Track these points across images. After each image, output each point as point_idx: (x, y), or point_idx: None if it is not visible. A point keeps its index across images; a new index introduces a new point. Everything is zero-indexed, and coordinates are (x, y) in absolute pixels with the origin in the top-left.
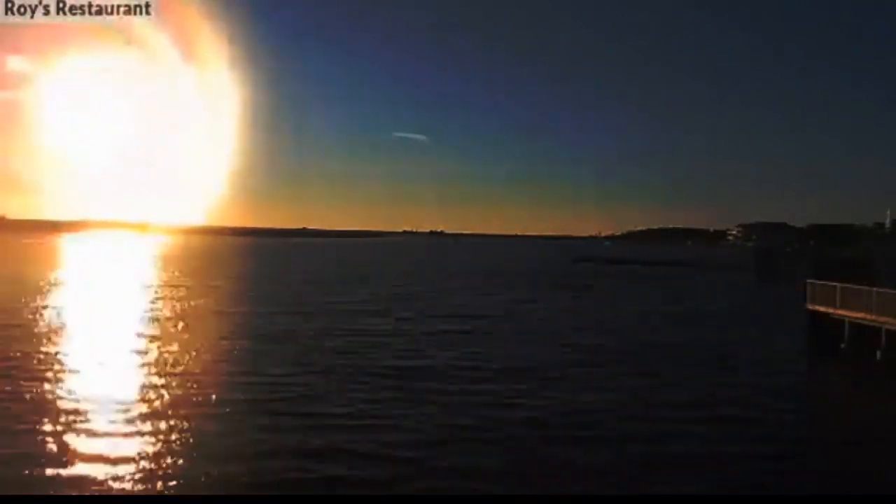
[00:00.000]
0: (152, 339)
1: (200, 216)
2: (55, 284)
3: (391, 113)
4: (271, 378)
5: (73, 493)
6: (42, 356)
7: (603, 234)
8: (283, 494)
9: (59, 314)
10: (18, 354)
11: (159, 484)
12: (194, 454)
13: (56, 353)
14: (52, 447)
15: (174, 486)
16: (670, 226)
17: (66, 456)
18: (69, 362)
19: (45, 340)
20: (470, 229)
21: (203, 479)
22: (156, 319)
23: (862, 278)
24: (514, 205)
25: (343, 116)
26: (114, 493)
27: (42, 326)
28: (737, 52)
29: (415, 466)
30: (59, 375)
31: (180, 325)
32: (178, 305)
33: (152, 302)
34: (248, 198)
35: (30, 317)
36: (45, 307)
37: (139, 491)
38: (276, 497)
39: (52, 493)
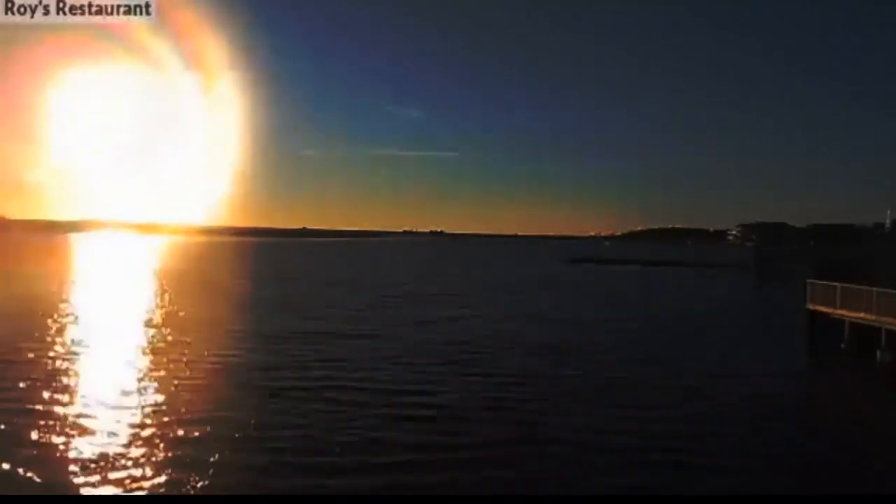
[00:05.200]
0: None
1: (200, 216)
2: (57, 286)
3: (392, 114)
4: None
5: (73, 494)
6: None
7: (603, 234)
8: (283, 494)
9: (61, 318)
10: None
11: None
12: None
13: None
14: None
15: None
16: (670, 226)
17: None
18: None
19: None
20: (470, 229)
21: None
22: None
23: (862, 278)
24: (514, 205)
25: (343, 116)
26: (114, 493)
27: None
28: (736, 53)
29: None
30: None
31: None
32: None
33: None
34: (248, 198)
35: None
36: (47, 312)
37: (140, 490)
38: (277, 497)
39: (52, 493)
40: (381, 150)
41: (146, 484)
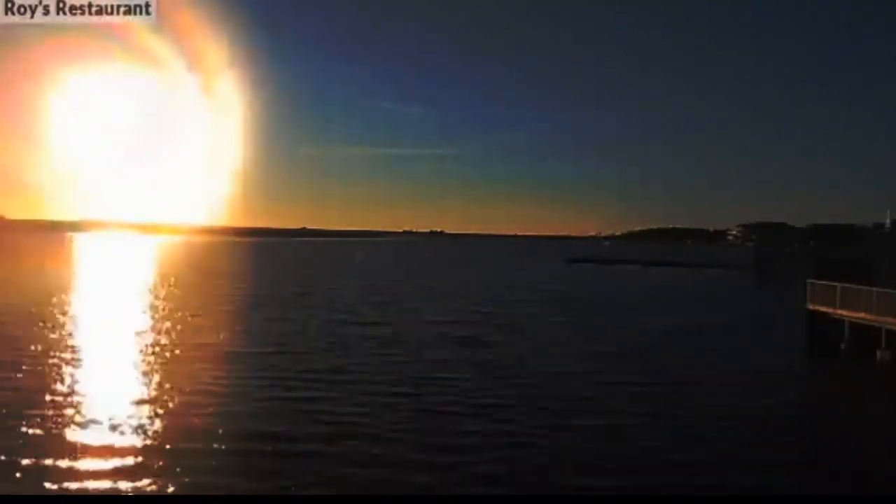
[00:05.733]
0: None
1: (200, 216)
2: (56, 286)
3: (392, 113)
4: None
5: (74, 494)
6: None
7: (603, 234)
8: (283, 495)
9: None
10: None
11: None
12: None
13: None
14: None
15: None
16: (670, 226)
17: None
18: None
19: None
20: (470, 229)
21: None
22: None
23: (862, 278)
24: (514, 205)
25: (343, 115)
26: (114, 492)
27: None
28: (736, 53)
29: None
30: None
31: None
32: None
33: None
34: (248, 198)
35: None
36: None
37: (140, 490)
38: (277, 497)
39: (51, 492)
40: (381, 150)
41: None
